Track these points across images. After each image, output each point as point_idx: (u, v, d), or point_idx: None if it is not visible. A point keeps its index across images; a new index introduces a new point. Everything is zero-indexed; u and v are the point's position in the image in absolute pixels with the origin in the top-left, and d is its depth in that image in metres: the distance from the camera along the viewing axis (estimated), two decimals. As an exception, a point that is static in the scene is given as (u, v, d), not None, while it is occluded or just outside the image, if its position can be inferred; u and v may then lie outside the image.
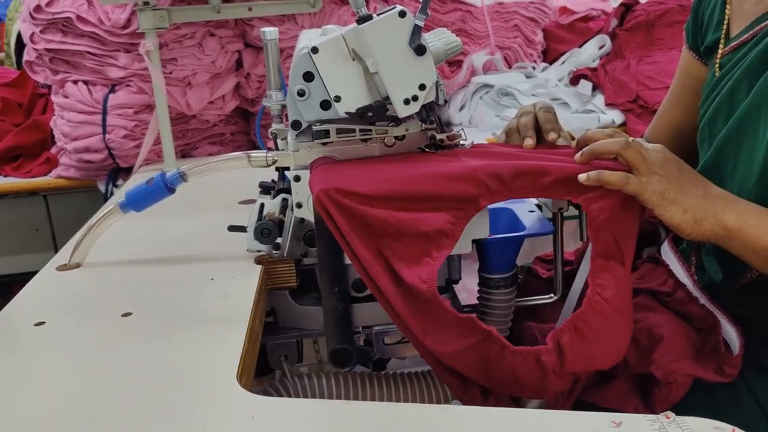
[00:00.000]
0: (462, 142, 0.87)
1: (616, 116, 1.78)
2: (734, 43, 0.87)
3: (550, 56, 2.06)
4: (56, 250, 1.81)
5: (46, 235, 1.85)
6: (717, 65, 0.90)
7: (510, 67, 1.97)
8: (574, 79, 1.88)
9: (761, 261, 0.75)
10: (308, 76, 0.81)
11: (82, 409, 0.59)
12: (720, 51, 0.90)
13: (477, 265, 0.95)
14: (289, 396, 0.90)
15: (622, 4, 2.02)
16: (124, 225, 0.93)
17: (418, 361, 1.08)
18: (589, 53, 1.94)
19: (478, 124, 1.80)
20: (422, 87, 0.80)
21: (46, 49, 1.65)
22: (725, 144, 0.84)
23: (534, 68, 1.97)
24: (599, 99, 1.82)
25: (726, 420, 0.54)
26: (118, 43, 1.63)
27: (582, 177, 0.76)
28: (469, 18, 1.91)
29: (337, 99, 0.81)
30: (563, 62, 1.97)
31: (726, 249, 0.78)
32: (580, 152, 0.79)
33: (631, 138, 0.79)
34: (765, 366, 0.82)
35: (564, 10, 2.14)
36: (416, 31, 0.77)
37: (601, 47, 1.96)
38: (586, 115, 1.78)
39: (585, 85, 1.83)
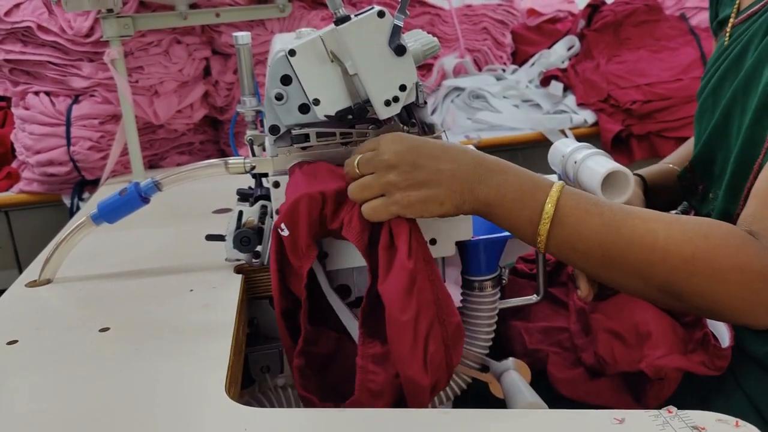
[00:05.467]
0: (443, 143, 0.86)
1: (588, 116, 1.79)
2: (744, 14, 0.88)
3: (519, 58, 2.07)
4: (20, 268, 1.77)
5: (8, 252, 1.79)
6: (727, 35, 0.90)
7: (480, 69, 1.98)
8: (545, 80, 1.90)
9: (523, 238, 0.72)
10: (286, 80, 0.79)
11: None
12: (731, 22, 0.90)
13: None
14: (273, 407, 0.88)
15: (589, 5, 2.05)
16: (95, 238, 0.90)
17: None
18: (558, 54, 1.96)
19: (451, 127, 1.80)
20: (403, 88, 0.78)
21: (6, 60, 1.60)
22: (732, 106, 0.83)
23: (504, 70, 1.98)
24: (570, 99, 1.84)
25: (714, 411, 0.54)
26: (81, 52, 1.59)
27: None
28: (437, 21, 1.91)
29: (316, 102, 0.80)
30: (533, 64, 1.99)
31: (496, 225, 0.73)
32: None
33: (357, 157, 0.72)
34: (752, 356, 0.83)
35: (531, 12, 2.16)
36: (395, 31, 0.76)
37: (569, 48, 1.98)
38: (558, 116, 1.80)
39: (556, 86, 1.85)
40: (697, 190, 0.94)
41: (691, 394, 0.82)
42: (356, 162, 0.72)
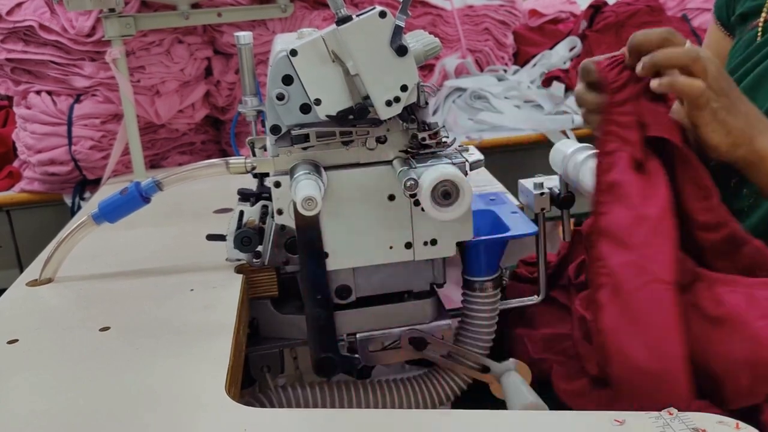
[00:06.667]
0: (444, 139, 0.86)
1: (589, 117, 1.79)
2: None
3: (521, 59, 2.07)
4: (21, 268, 1.77)
5: (9, 251, 1.79)
6: (760, 29, 0.88)
7: (482, 70, 1.97)
8: (546, 81, 1.90)
9: None
10: (287, 80, 0.80)
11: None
12: (763, 16, 0.88)
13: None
14: (273, 407, 0.88)
15: (590, 6, 2.05)
16: (96, 237, 0.90)
17: (402, 369, 1.07)
18: (560, 55, 1.96)
19: (452, 127, 1.80)
20: (404, 88, 0.79)
21: (7, 59, 1.60)
22: None
23: (506, 71, 1.98)
24: (572, 100, 1.83)
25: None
26: (83, 51, 1.59)
27: (654, 83, 0.74)
28: (439, 22, 1.91)
29: (317, 102, 0.80)
30: (534, 64, 1.99)
31: (753, 179, 0.76)
32: (641, 63, 0.75)
33: (695, 48, 0.75)
34: None
35: (533, 13, 2.16)
36: (397, 31, 0.76)
37: (571, 49, 1.98)
38: (559, 117, 1.80)
39: (557, 87, 1.85)
40: (730, 183, 0.92)
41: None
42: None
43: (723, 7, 0.98)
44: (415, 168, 0.80)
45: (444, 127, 0.88)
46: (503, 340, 0.97)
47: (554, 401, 0.86)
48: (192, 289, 0.83)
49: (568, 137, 1.72)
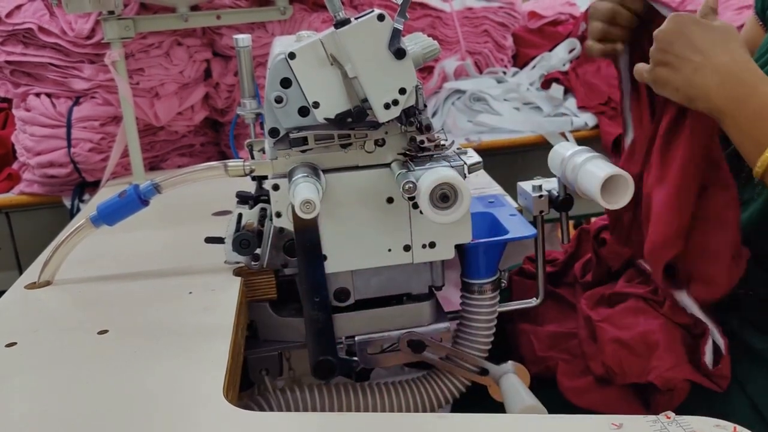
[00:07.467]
0: (443, 142, 0.86)
1: (588, 119, 1.79)
2: None
3: (520, 61, 2.07)
4: (20, 270, 1.77)
5: (8, 253, 1.79)
6: None
7: (481, 72, 1.97)
8: (546, 83, 1.90)
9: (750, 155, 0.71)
10: (285, 83, 0.80)
11: (60, 434, 0.56)
12: None
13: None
14: (272, 410, 0.88)
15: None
16: (94, 240, 0.90)
17: (401, 371, 1.07)
18: (559, 57, 1.96)
19: (451, 129, 1.80)
20: (402, 91, 0.79)
21: (7, 62, 1.60)
22: None
23: (505, 73, 1.98)
24: (571, 102, 1.83)
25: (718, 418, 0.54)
26: (82, 54, 1.59)
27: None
28: (438, 24, 1.91)
29: (316, 105, 0.80)
30: (534, 66, 1.99)
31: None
32: None
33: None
34: (757, 352, 0.82)
35: (533, 15, 2.16)
36: (395, 34, 0.76)
37: (571, 51, 1.98)
38: (558, 119, 1.80)
39: (556, 89, 1.85)
40: (742, 172, 0.91)
41: (698, 403, 0.81)
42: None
43: (764, 6, 0.98)
44: (414, 171, 0.80)
45: (442, 129, 0.88)
46: (505, 336, 0.98)
47: (558, 399, 0.87)
48: (190, 292, 0.83)
49: (567, 139, 1.72)
